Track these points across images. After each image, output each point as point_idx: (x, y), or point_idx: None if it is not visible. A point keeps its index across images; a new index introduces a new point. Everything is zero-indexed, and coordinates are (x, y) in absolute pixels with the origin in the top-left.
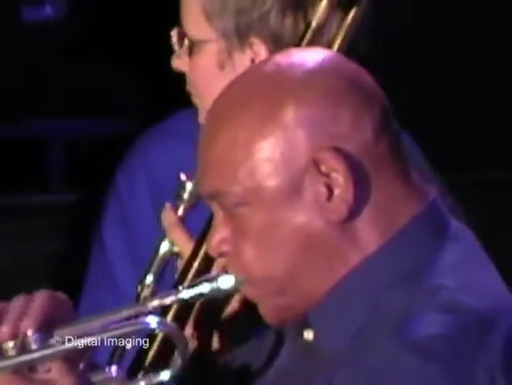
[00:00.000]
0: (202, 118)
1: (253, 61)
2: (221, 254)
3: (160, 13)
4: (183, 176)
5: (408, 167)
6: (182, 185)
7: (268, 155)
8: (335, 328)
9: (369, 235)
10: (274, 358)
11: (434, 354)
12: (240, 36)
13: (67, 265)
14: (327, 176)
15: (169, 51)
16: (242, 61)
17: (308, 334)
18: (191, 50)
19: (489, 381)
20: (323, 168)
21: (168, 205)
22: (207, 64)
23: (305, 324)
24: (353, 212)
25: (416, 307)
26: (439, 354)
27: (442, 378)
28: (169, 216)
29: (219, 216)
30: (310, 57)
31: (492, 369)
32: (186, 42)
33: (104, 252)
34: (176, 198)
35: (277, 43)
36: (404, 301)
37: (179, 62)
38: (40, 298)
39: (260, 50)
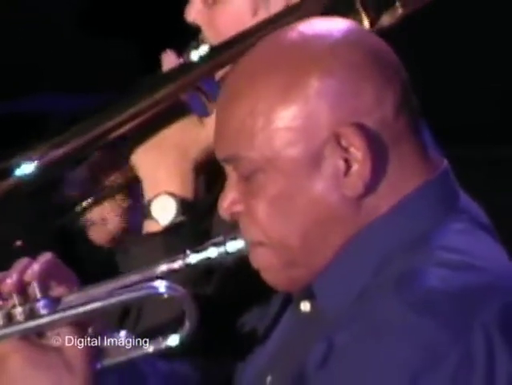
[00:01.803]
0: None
1: (288, 3)
2: (234, 215)
3: None
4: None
5: (425, 140)
6: (198, 40)
7: (288, 123)
8: (338, 290)
9: (382, 205)
10: (278, 322)
11: (433, 309)
12: None
13: None
14: (346, 150)
15: (172, 30)
16: (277, 4)
17: (305, 306)
18: None
19: (484, 337)
20: (343, 143)
21: (169, 50)
22: (238, 10)
23: (303, 295)
24: (369, 189)
25: (418, 265)
26: (437, 309)
27: (439, 332)
28: (170, 59)
29: (233, 178)
30: (336, 28)
31: (488, 326)
32: None
33: None
34: (184, 49)
35: None
36: (406, 264)
37: (196, 14)
38: (43, 257)
39: None
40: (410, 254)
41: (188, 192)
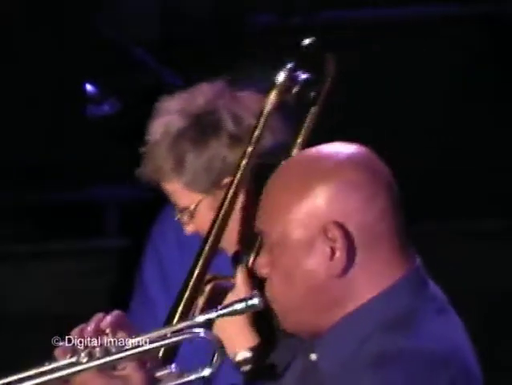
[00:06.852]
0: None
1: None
2: (263, 275)
3: None
4: None
5: (407, 240)
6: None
7: (297, 216)
8: (331, 356)
9: (363, 289)
10: (288, 368)
11: None
12: (216, 185)
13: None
14: (332, 241)
15: None
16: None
17: (313, 356)
18: (192, 215)
19: None
20: (330, 235)
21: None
22: (207, 214)
23: (311, 348)
24: (347, 270)
25: (390, 351)
26: None
27: None
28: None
29: (265, 249)
30: (343, 150)
31: None
32: (185, 212)
33: (142, 283)
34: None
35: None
36: (382, 344)
37: (189, 227)
38: (114, 312)
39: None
40: (387, 337)
41: None
